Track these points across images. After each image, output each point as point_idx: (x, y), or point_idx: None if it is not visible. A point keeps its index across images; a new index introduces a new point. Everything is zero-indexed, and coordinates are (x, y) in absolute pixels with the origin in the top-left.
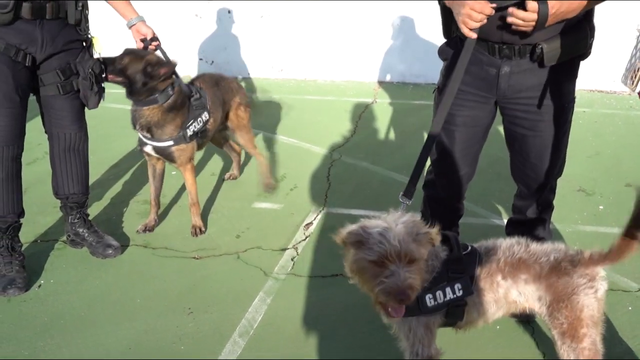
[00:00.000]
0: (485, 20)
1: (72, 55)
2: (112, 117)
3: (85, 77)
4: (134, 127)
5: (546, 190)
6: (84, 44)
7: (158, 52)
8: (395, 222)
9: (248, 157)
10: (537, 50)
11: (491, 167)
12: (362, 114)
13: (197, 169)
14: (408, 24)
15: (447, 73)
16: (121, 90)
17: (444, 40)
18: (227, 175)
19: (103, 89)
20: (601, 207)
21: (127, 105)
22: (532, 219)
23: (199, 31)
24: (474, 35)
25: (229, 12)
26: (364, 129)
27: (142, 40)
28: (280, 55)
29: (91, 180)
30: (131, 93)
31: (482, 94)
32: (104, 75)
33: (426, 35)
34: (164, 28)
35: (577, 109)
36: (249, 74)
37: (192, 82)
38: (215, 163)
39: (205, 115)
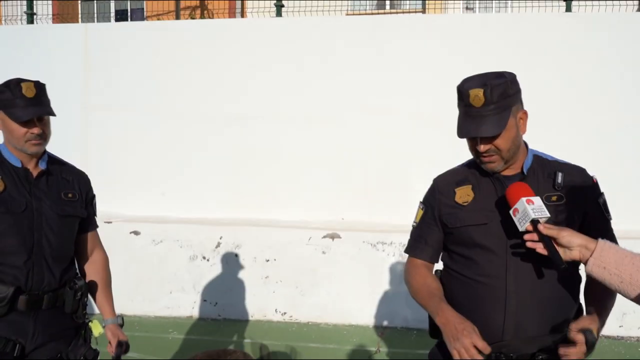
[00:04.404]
0: None
1: (64, 344)
2: None
3: None
4: None
5: None
6: (77, 330)
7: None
8: None
9: None
10: None
11: None
12: None
13: None
14: None
15: None
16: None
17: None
18: None
19: None
20: None
21: (142, 354)
22: None
23: (204, 273)
24: None
25: (236, 255)
26: None
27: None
28: (284, 298)
29: None
30: None
31: None
32: None
33: None
34: (169, 269)
35: None
36: (252, 316)
37: None
38: None
39: None
